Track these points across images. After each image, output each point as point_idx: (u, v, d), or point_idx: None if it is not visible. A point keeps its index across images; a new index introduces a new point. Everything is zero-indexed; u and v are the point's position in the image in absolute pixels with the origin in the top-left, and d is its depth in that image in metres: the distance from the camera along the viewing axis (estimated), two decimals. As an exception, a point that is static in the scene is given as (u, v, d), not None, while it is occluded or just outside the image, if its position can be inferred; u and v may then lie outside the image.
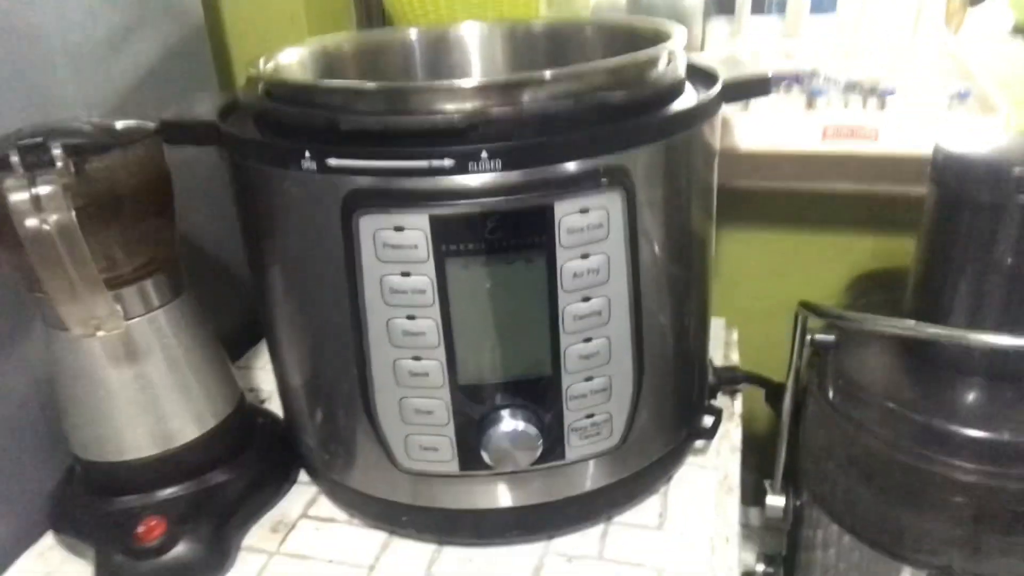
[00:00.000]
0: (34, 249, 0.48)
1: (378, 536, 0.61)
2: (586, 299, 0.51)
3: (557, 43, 0.73)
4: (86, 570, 0.59)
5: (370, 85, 0.51)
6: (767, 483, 0.76)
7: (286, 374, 0.61)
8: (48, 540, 0.63)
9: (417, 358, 0.51)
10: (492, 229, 0.48)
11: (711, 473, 0.66)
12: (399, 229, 0.48)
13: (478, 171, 0.46)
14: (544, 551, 0.59)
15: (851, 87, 0.79)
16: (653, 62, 0.53)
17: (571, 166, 0.48)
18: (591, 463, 0.57)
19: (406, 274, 0.49)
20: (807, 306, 0.68)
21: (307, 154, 0.48)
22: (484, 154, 0.46)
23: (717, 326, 0.87)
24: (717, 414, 0.67)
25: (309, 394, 0.60)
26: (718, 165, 0.60)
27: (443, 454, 0.54)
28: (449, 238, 0.48)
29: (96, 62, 0.68)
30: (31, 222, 0.47)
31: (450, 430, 0.53)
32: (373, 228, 0.48)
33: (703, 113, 0.54)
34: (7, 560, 0.61)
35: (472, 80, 0.49)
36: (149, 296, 0.58)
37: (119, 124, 0.58)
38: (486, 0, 0.79)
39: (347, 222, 0.48)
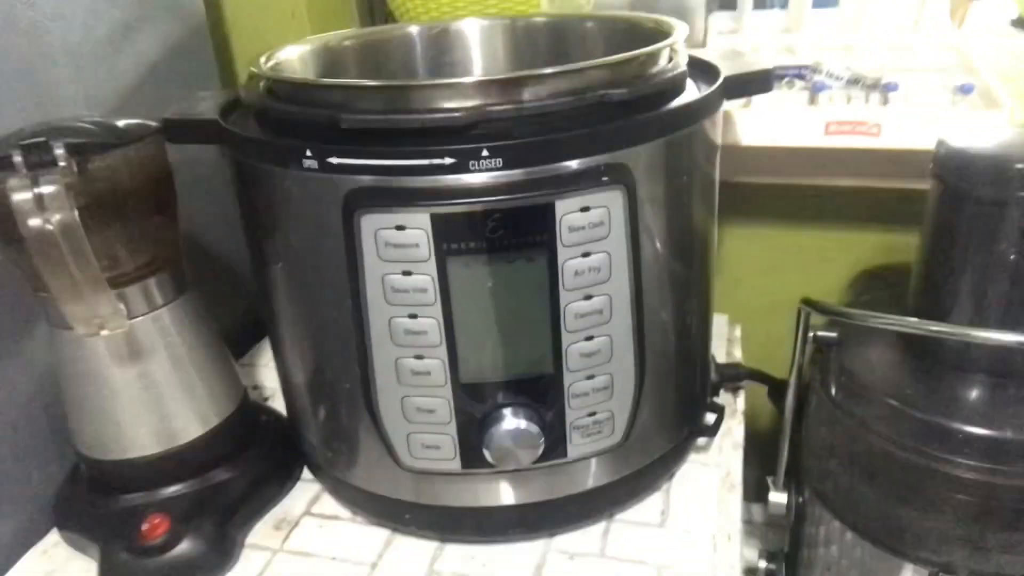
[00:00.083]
0: (37, 249, 0.48)
1: (381, 533, 0.61)
2: (587, 297, 0.51)
3: (558, 39, 0.73)
4: (90, 568, 0.59)
5: (370, 83, 0.51)
6: (770, 480, 0.76)
7: (289, 372, 0.61)
8: (52, 538, 0.63)
9: (419, 357, 0.51)
10: (493, 228, 0.48)
11: (713, 470, 0.66)
12: (400, 228, 0.48)
13: (479, 169, 0.46)
14: (546, 548, 0.59)
15: (853, 82, 0.79)
16: (654, 59, 0.53)
17: (572, 164, 0.48)
18: (593, 461, 0.57)
19: (407, 273, 0.49)
20: (809, 303, 0.68)
21: (308, 152, 0.48)
22: (485, 152, 0.46)
23: (720, 322, 0.87)
24: (719, 411, 0.67)
25: (312, 392, 0.60)
26: (720, 161, 0.60)
27: (445, 452, 0.55)
28: (450, 237, 0.48)
29: (97, 60, 0.68)
30: (34, 222, 0.47)
31: (452, 428, 0.54)
32: (374, 227, 0.48)
33: (705, 109, 0.54)
34: (12, 558, 0.61)
35: (472, 78, 0.49)
36: (152, 295, 0.58)
37: (121, 123, 0.58)
38: (488, -4, 0.79)
39: (348, 221, 0.48)
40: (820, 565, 0.74)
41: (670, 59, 0.55)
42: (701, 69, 0.59)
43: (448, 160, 0.46)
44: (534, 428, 0.53)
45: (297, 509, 0.65)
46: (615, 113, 0.49)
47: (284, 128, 0.51)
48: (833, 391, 0.68)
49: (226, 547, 0.59)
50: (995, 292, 0.60)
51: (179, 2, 0.78)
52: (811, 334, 0.69)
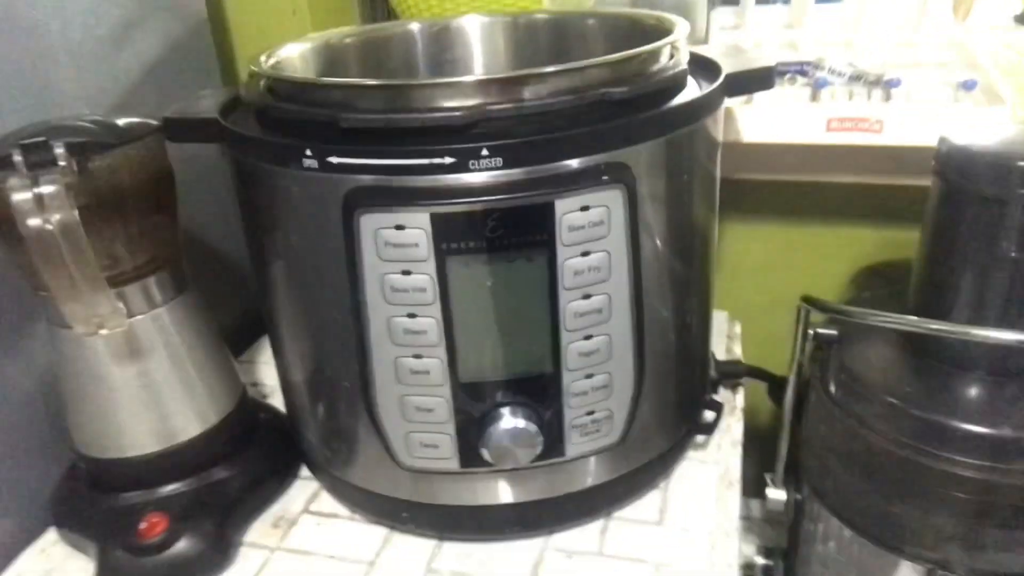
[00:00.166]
0: (37, 248, 0.48)
1: (379, 531, 0.61)
2: (587, 296, 0.51)
3: (560, 36, 0.73)
4: (88, 567, 0.59)
5: (370, 82, 0.51)
6: (768, 477, 0.76)
7: (288, 371, 0.62)
8: (50, 537, 0.63)
9: (418, 356, 0.52)
10: (493, 227, 0.48)
11: (712, 468, 0.66)
12: (400, 228, 0.48)
13: (479, 169, 0.46)
14: (544, 547, 0.59)
15: (856, 78, 0.79)
16: (655, 56, 0.53)
17: (572, 163, 0.48)
18: (591, 460, 0.57)
19: (407, 272, 0.49)
20: (809, 300, 0.68)
21: (308, 152, 0.48)
22: (485, 151, 0.46)
23: (720, 319, 0.87)
24: (718, 409, 0.67)
25: (311, 391, 0.60)
26: (721, 157, 0.60)
27: (444, 451, 0.55)
28: (450, 236, 0.48)
29: (98, 58, 0.68)
30: (34, 221, 0.47)
31: (451, 428, 0.54)
32: (374, 226, 0.48)
33: (706, 107, 0.54)
34: (9, 556, 0.61)
35: (472, 77, 0.49)
36: (152, 293, 0.58)
37: (121, 121, 0.58)
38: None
39: (348, 220, 0.48)
40: (818, 562, 0.74)
41: (671, 57, 0.55)
42: (702, 66, 0.59)
43: (448, 160, 0.46)
44: (532, 427, 0.53)
45: (295, 507, 0.65)
46: (615, 112, 0.49)
47: (284, 127, 0.51)
48: (832, 388, 0.68)
49: (224, 546, 0.59)
50: (995, 290, 0.60)
51: (180, 0, 0.77)
52: (811, 332, 0.69)
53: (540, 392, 0.53)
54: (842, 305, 0.68)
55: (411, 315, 0.50)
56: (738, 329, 0.87)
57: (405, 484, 0.58)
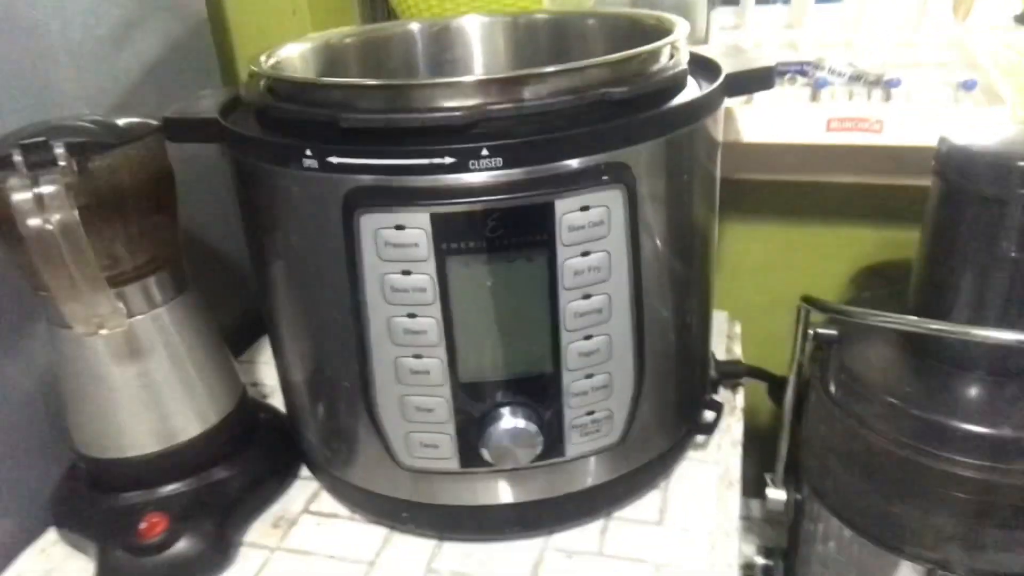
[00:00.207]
0: (36, 249, 0.48)
1: (379, 532, 0.61)
2: (587, 296, 0.51)
3: (560, 36, 0.73)
4: (88, 566, 0.59)
5: (370, 82, 0.51)
6: (768, 477, 0.76)
7: (288, 371, 0.62)
8: (50, 537, 0.63)
9: (418, 356, 0.51)
10: (493, 227, 0.48)
11: (712, 468, 0.66)
12: (400, 228, 0.48)
13: (479, 169, 0.46)
14: (544, 547, 0.59)
15: (856, 78, 0.79)
16: (655, 56, 0.53)
17: (573, 163, 0.48)
18: (591, 460, 0.57)
19: (407, 272, 0.49)
20: (809, 300, 0.68)
21: (308, 152, 0.48)
22: (485, 151, 0.46)
23: (720, 319, 0.87)
24: (718, 409, 0.67)
25: (311, 391, 0.60)
26: (721, 157, 0.60)
27: (444, 451, 0.55)
28: (450, 236, 0.48)
29: (98, 58, 0.68)
30: (34, 222, 0.47)
31: (451, 428, 0.54)
32: (374, 227, 0.48)
33: (705, 108, 0.54)
34: (9, 556, 0.61)
35: (472, 77, 0.49)
36: (152, 293, 0.58)
37: (121, 121, 0.58)
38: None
39: (348, 221, 0.48)
40: (818, 562, 0.74)
41: (671, 57, 0.55)
42: (703, 66, 0.59)
43: (448, 160, 0.46)
44: (532, 427, 0.53)
45: (295, 507, 0.65)
46: (615, 112, 0.49)
47: (284, 127, 0.51)
48: (832, 389, 0.68)
49: (224, 546, 0.59)
50: (995, 290, 0.60)
51: (180, 0, 0.77)
52: (811, 332, 0.69)
53: (540, 392, 0.53)
54: (842, 305, 0.68)
55: (411, 315, 0.50)
56: (738, 329, 0.87)
57: (405, 484, 0.58)
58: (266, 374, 0.82)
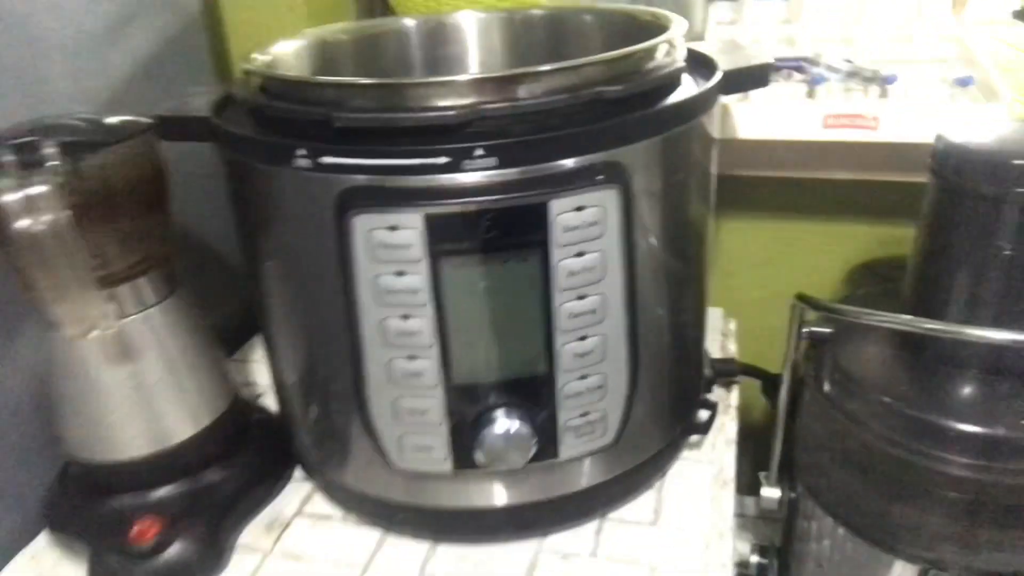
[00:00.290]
0: (26, 250, 0.47)
1: (373, 534, 0.61)
2: (581, 297, 0.51)
3: (556, 32, 0.72)
4: (81, 571, 0.58)
5: (363, 81, 0.51)
6: (762, 476, 0.76)
7: (281, 372, 0.61)
8: (41, 542, 0.62)
9: (411, 358, 0.51)
10: (487, 228, 0.47)
11: (706, 467, 0.66)
12: (393, 228, 0.47)
13: (473, 168, 0.46)
14: (538, 548, 0.59)
15: (852, 74, 0.78)
16: (651, 54, 0.53)
17: (567, 163, 0.47)
18: (585, 461, 0.57)
19: (400, 274, 0.49)
20: (803, 299, 0.68)
21: (300, 151, 0.47)
22: (479, 151, 0.45)
23: (715, 316, 0.87)
24: (712, 408, 0.67)
25: (303, 393, 0.60)
26: (717, 154, 0.60)
27: (437, 454, 0.54)
28: (443, 237, 0.48)
29: (91, 55, 0.67)
30: (23, 223, 0.46)
31: (444, 430, 0.53)
32: (367, 227, 0.48)
33: (701, 106, 0.54)
34: (3, 560, 0.61)
35: (467, 75, 0.48)
36: (143, 294, 0.57)
37: (113, 119, 0.57)
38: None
39: (341, 222, 0.48)
40: (812, 560, 0.74)
41: (667, 54, 0.54)
42: (699, 62, 0.59)
43: (442, 159, 0.46)
44: (526, 429, 0.53)
45: (289, 509, 0.64)
46: (611, 110, 0.48)
47: (277, 126, 0.51)
48: (826, 387, 0.68)
49: (218, 549, 0.59)
50: (991, 288, 0.60)
51: (173, -5, 0.77)
52: (805, 330, 0.69)
53: (534, 394, 0.53)
54: (836, 304, 0.68)
55: (404, 316, 0.50)
56: (733, 326, 0.87)
57: (399, 486, 0.58)
58: (259, 373, 0.82)
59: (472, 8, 0.73)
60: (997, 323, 0.60)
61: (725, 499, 0.63)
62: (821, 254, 0.92)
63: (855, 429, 0.64)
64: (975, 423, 0.59)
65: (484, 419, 0.53)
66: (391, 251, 0.48)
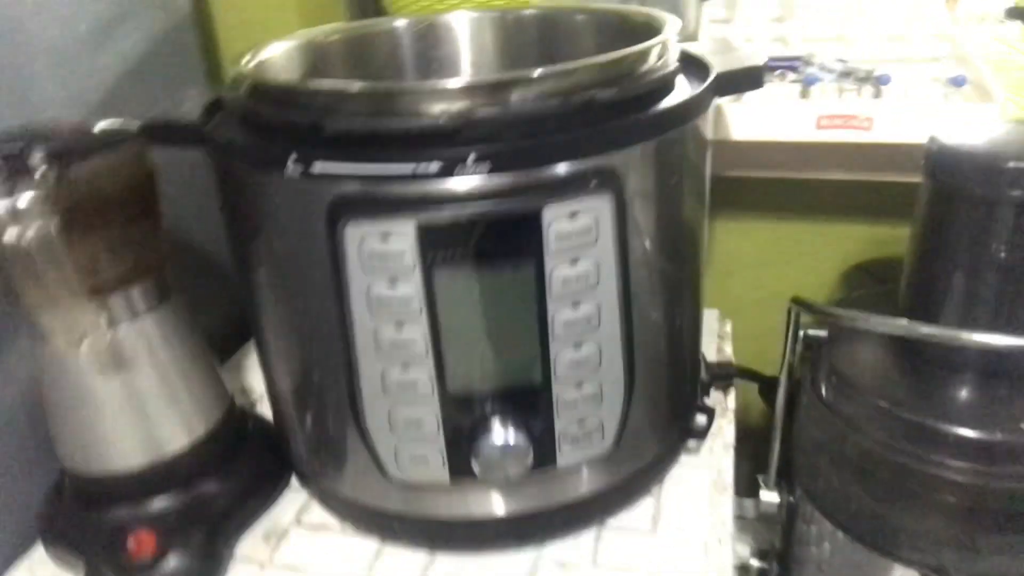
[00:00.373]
0: (14, 260, 0.47)
1: (371, 544, 0.60)
2: (576, 305, 0.50)
3: (548, 33, 0.72)
4: (75, 585, 0.58)
5: (354, 86, 0.50)
6: (760, 479, 0.75)
7: (275, 382, 0.61)
8: (36, 555, 0.62)
9: (406, 368, 0.51)
10: (480, 236, 0.47)
11: (704, 472, 0.65)
12: (385, 237, 0.47)
13: (465, 174, 0.45)
14: (537, 557, 0.58)
15: (846, 74, 0.78)
16: (644, 57, 0.52)
17: (560, 168, 0.47)
18: (583, 469, 0.57)
19: (393, 283, 0.48)
20: (799, 302, 0.68)
21: (291, 159, 0.47)
22: (471, 157, 0.45)
23: (710, 318, 0.86)
24: (710, 413, 0.66)
25: (297, 403, 0.59)
26: (711, 155, 0.59)
27: (433, 463, 0.54)
28: (436, 246, 0.47)
29: (79, 58, 0.66)
30: (10, 234, 0.46)
31: (440, 440, 0.53)
32: (359, 236, 0.47)
33: (696, 109, 0.53)
34: (-4, 574, 0.61)
35: (458, 81, 0.48)
36: (134, 302, 0.57)
37: (101, 125, 0.56)
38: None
39: (333, 230, 0.47)
40: (813, 564, 0.73)
41: (660, 57, 0.54)
42: (692, 64, 0.58)
43: (433, 166, 0.45)
44: (522, 440, 0.52)
45: (286, 519, 0.63)
46: (604, 115, 0.48)
47: (267, 132, 0.50)
48: (823, 390, 0.68)
49: (214, 561, 0.58)
50: (986, 291, 0.60)
51: (163, -4, 0.76)
52: (801, 332, 0.69)
53: (530, 402, 0.53)
54: (832, 307, 0.67)
55: (398, 326, 0.49)
56: (729, 328, 0.87)
57: (395, 497, 0.57)
58: (254, 379, 0.81)
59: (464, 7, 0.73)
60: (993, 325, 0.59)
61: (724, 504, 0.63)
62: (816, 254, 0.92)
63: (852, 433, 0.64)
64: (972, 427, 0.59)
65: (480, 429, 0.52)
66: (384, 260, 0.48)
